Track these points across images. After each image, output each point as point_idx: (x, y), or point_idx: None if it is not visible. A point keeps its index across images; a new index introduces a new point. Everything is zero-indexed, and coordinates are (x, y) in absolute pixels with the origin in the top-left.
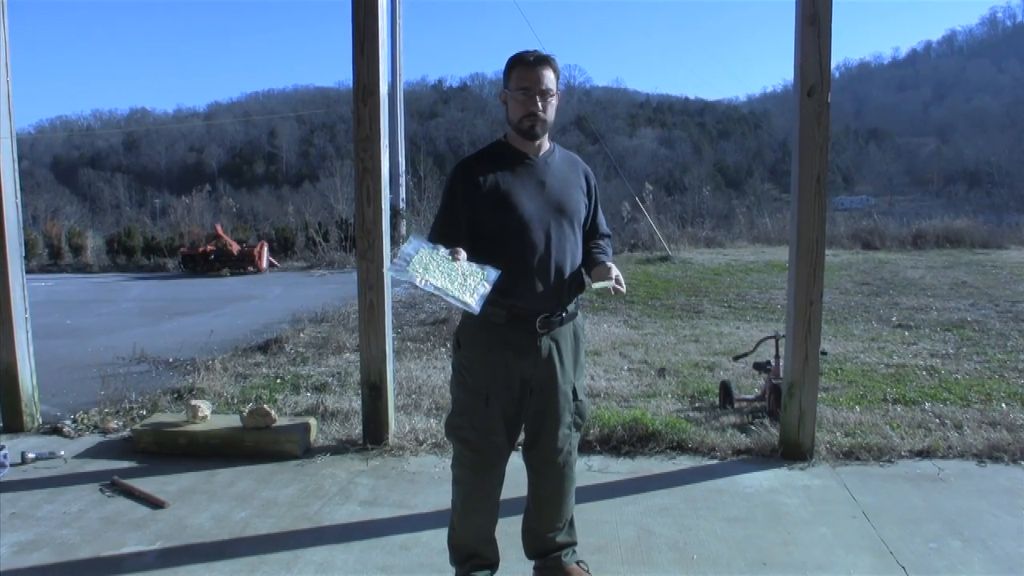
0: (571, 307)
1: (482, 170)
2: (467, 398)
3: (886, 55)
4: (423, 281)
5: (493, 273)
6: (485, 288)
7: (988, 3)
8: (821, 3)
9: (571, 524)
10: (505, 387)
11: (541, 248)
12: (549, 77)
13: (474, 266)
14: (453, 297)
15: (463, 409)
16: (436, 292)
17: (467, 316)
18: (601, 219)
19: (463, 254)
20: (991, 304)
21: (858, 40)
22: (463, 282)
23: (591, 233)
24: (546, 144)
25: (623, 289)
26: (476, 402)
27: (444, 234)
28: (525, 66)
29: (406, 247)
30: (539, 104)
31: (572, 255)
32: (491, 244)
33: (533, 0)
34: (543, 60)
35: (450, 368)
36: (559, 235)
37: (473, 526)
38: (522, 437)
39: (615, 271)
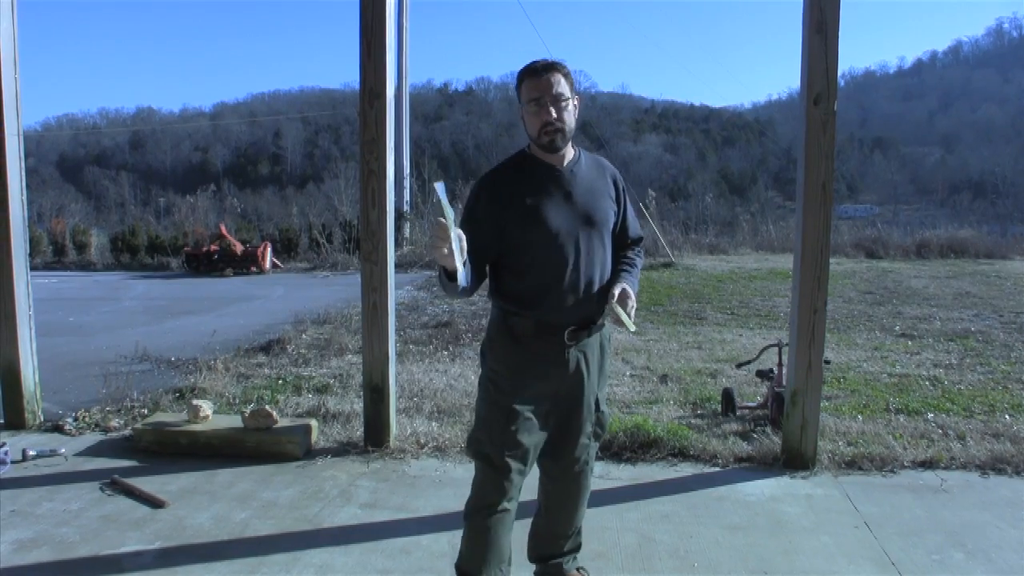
0: (599, 320)
1: (506, 184)
2: (491, 412)
3: (892, 64)
4: (453, 225)
5: (462, 277)
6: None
7: (994, 14)
8: (828, 11)
9: (578, 531)
10: (532, 399)
11: (571, 262)
12: (560, 82)
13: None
14: (459, 254)
15: (486, 424)
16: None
17: (495, 329)
18: (632, 223)
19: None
20: (995, 315)
21: (864, 49)
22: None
23: (621, 238)
24: (570, 152)
25: (629, 326)
26: (500, 416)
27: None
28: (533, 76)
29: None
30: (552, 112)
31: (602, 267)
32: (520, 259)
33: (538, 4)
34: (550, 66)
35: (452, 373)
36: (588, 247)
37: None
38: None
39: (631, 302)
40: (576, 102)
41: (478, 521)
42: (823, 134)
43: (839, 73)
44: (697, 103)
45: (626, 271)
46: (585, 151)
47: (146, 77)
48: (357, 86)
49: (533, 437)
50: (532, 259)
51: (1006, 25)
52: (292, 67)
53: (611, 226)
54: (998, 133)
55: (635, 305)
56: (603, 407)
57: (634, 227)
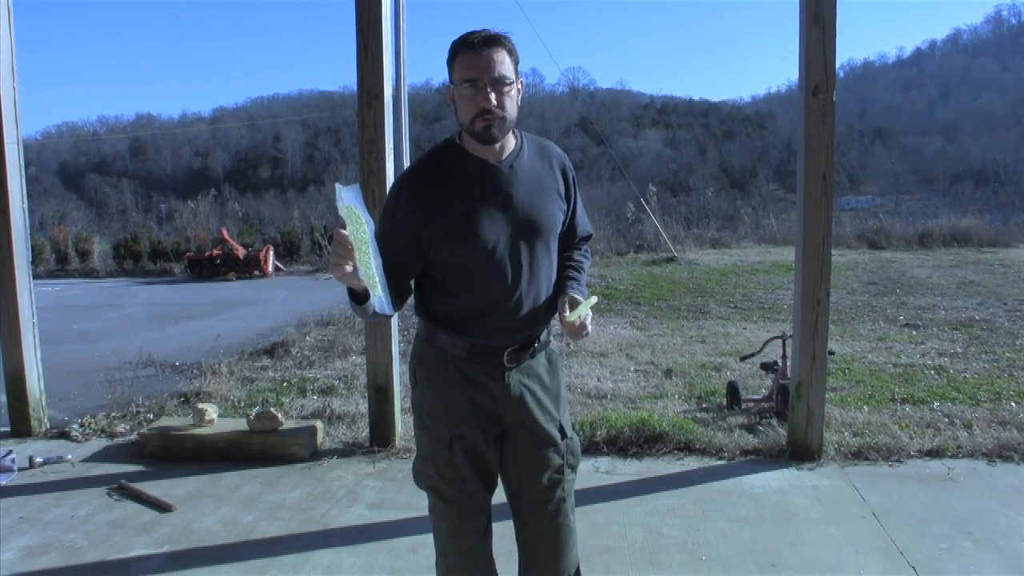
0: (544, 336)
1: (430, 186)
2: (429, 442)
3: (891, 54)
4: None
5: (385, 304)
6: (376, 302)
7: (993, 1)
8: (825, 2)
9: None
10: (472, 429)
11: (510, 279)
12: (503, 61)
13: (377, 276)
14: (364, 274)
15: (427, 454)
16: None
17: (422, 347)
18: (581, 219)
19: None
20: (999, 303)
21: (862, 40)
22: (369, 271)
23: (568, 237)
24: (511, 142)
25: (588, 321)
26: (439, 447)
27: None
28: (470, 51)
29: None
30: (492, 98)
31: (548, 280)
32: (449, 278)
33: (536, 2)
34: (492, 40)
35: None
36: (531, 260)
37: None
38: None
39: (585, 315)
40: (520, 85)
41: (452, 562)
42: (822, 125)
43: (837, 64)
44: (696, 97)
45: (573, 279)
46: (528, 136)
47: (145, 83)
48: (355, 88)
49: (487, 466)
50: (464, 278)
51: (1005, 13)
52: (290, 70)
53: (559, 231)
54: (999, 121)
55: (588, 315)
56: (570, 433)
57: (584, 224)
